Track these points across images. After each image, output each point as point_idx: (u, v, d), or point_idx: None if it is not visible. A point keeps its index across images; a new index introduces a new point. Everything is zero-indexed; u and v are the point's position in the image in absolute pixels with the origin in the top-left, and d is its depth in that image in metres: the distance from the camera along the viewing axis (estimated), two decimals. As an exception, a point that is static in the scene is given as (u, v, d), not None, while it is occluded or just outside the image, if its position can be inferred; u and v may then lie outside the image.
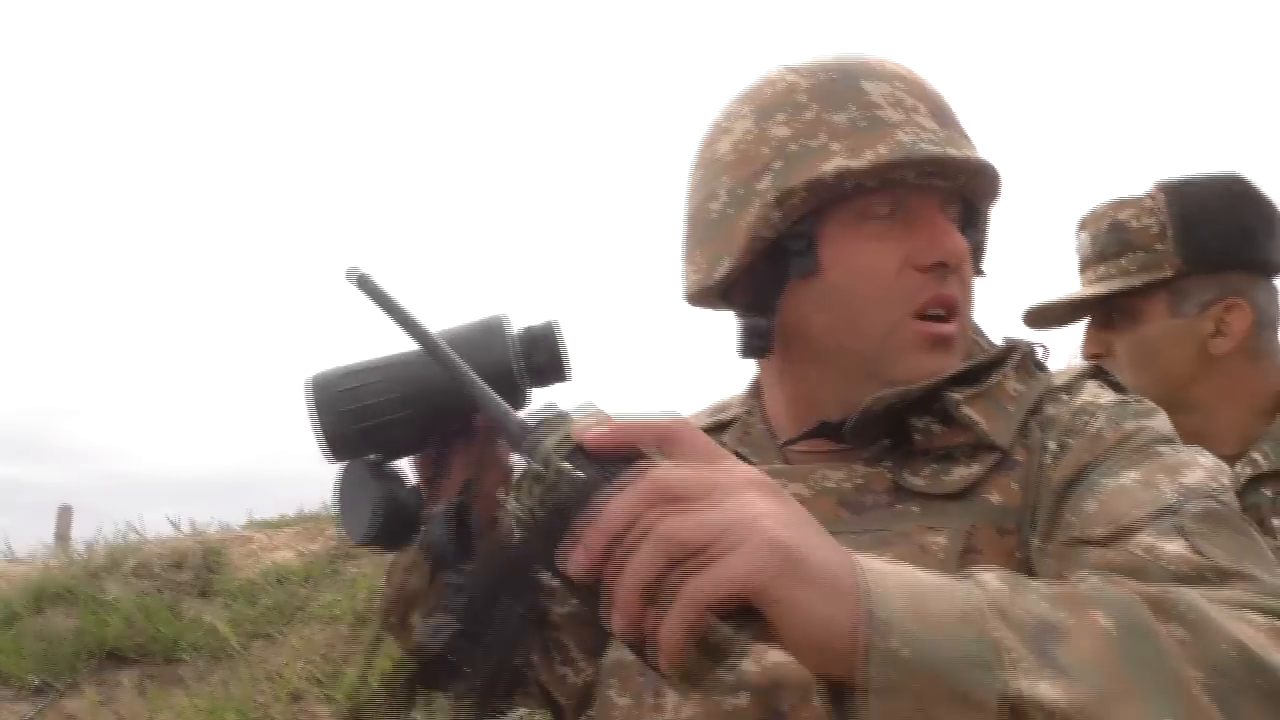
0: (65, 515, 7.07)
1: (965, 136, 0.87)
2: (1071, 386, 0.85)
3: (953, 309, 0.84)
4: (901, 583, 0.55)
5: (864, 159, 0.80)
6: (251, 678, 4.46)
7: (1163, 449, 0.78)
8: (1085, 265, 1.40)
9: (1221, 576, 0.66)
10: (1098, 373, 0.88)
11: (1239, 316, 1.33)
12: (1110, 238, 1.36)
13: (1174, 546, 0.68)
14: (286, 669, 4.59)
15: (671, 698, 0.79)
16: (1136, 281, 1.33)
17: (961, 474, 0.80)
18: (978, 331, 0.91)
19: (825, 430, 0.84)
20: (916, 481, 0.81)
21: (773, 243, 0.84)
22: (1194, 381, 1.34)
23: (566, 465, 0.56)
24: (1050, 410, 0.82)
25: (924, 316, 0.83)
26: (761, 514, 0.54)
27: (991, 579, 0.58)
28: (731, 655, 0.54)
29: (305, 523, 6.06)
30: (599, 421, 0.58)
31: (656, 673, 0.56)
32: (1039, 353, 0.90)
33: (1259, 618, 0.60)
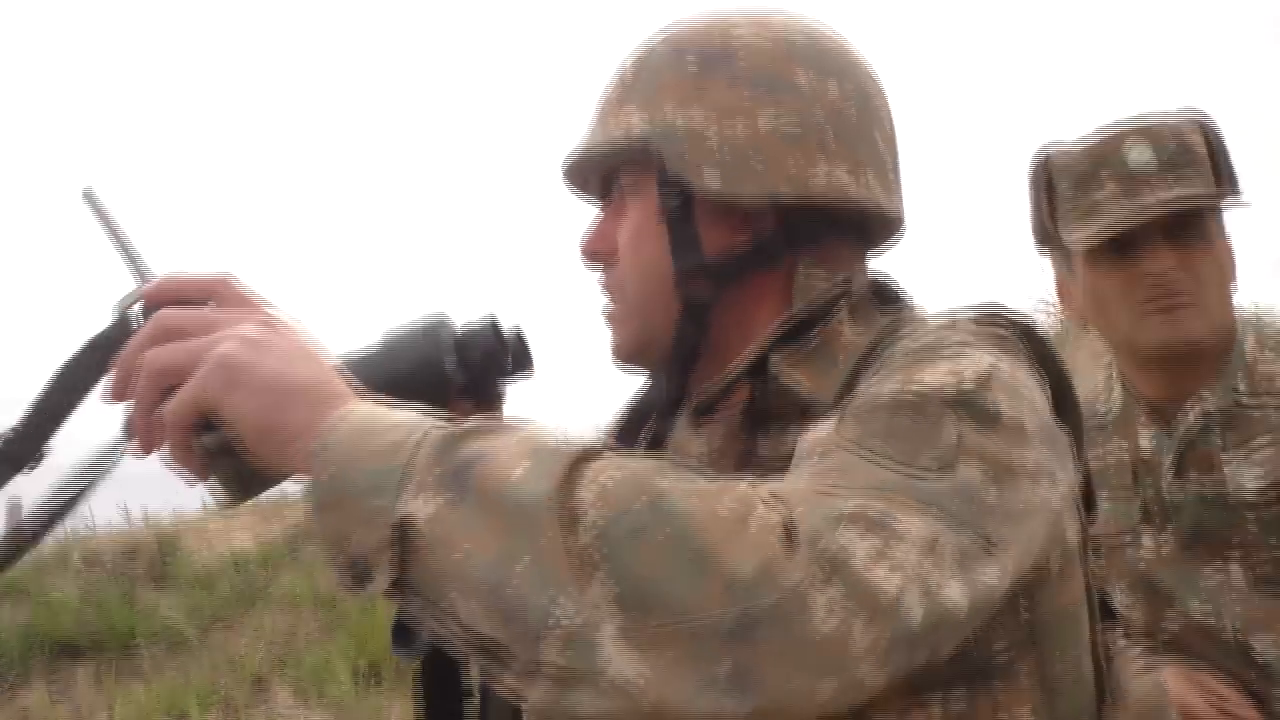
0: (15, 510, 6.90)
1: (602, 115, 0.86)
2: (916, 325, 0.75)
3: (609, 293, 0.86)
4: (361, 420, 0.60)
5: None
6: (212, 665, 4.38)
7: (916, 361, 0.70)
8: (1147, 177, 1.30)
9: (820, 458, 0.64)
10: (991, 319, 0.75)
11: None
12: (1178, 150, 1.31)
13: (825, 429, 0.66)
14: (247, 654, 4.50)
15: None
16: (1217, 199, 1.30)
17: (794, 439, 0.71)
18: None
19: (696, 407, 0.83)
20: (764, 448, 0.79)
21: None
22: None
23: (133, 314, 0.67)
24: (885, 353, 0.74)
25: None
26: (231, 338, 0.62)
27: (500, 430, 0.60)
28: (222, 465, 0.63)
29: (261, 507, 5.96)
30: (160, 280, 0.68)
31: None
32: (891, 288, 0.85)
33: (732, 504, 0.57)
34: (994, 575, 0.61)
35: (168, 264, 0.71)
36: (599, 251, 0.87)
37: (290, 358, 0.63)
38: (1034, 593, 0.69)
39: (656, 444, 0.85)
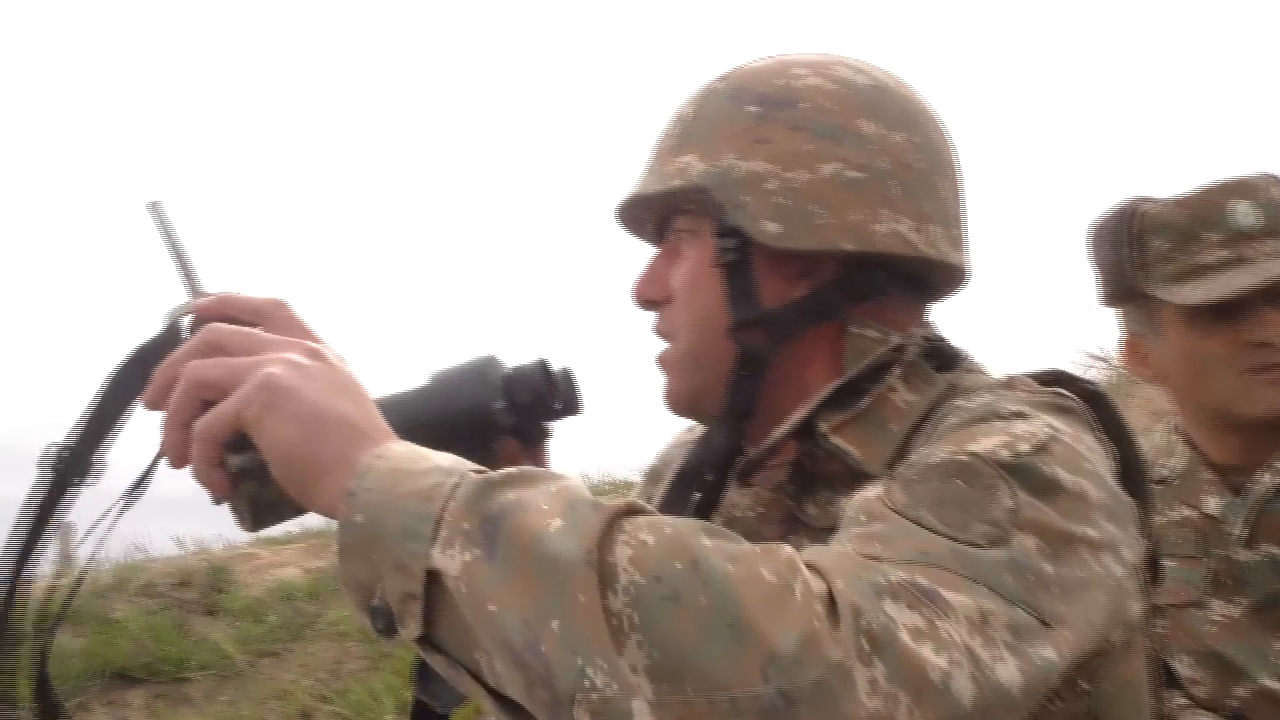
0: (67, 534, 7.06)
1: (660, 160, 0.85)
2: (972, 389, 0.74)
3: (662, 337, 0.86)
4: (395, 462, 0.58)
5: None
6: (260, 696, 4.45)
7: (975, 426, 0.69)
8: (1251, 237, 1.26)
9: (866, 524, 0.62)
10: (1053, 383, 0.75)
11: None
12: (1276, 212, 1.27)
13: (874, 493, 0.64)
14: (294, 686, 4.58)
15: None
16: None
17: (842, 506, 0.69)
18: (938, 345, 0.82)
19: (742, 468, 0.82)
20: (810, 511, 0.77)
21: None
22: None
23: (183, 324, 0.67)
24: (940, 419, 0.72)
25: None
26: (277, 361, 0.61)
27: (527, 481, 0.58)
28: (247, 488, 0.62)
29: (310, 539, 6.05)
30: (216, 296, 0.67)
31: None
32: (948, 347, 0.81)
33: (774, 571, 0.54)
34: (1050, 652, 0.58)
35: (223, 281, 0.71)
36: (652, 295, 0.85)
37: (331, 390, 0.61)
38: (1095, 668, 0.67)
39: (711, 499, 0.83)
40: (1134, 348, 1.38)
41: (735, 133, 0.80)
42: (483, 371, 0.82)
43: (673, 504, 0.82)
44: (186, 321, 0.67)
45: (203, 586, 5.25)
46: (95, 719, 4.40)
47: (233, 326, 0.64)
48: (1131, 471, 0.72)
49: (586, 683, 0.52)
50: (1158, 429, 1.45)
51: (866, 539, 0.60)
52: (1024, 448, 0.64)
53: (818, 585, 0.54)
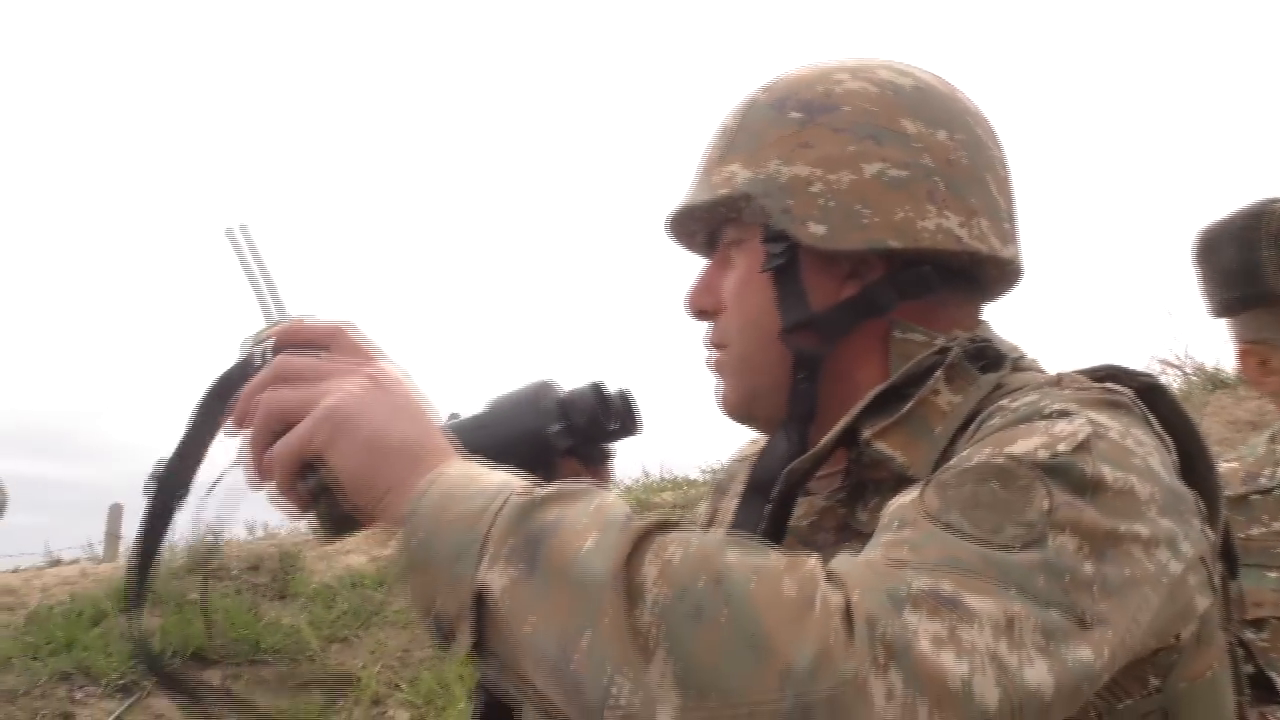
0: (116, 513, 7.19)
1: (706, 172, 0.86)
2: (1018, 389, 0.73)
3: (715, 346, 0.88)
4: (449, 485, 0.63)
5: None
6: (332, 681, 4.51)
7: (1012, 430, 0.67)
8: None
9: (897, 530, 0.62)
10: (1105, 378, 0.73)
11: None
12: None
13: (909, 497, 0.64)
14: (364, 673, 4.64)
15: None
16: None
17: None
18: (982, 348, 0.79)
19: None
20: (862, 518, 0.78)
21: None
22: None
23: (259, 351, 0.72)
24: (984, 420, 0.71)
25: None
26: (340, 391, 0.66)
27: (574, 498, 0.61)
28: (321, 506, 0.68)
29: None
30: (288, 325, 0.73)
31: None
32: (989, 347, 0.78)
33: (795, 586, 0.56)
34: (1087, 653, 0.58)
35: (300, 303, 0.77)
36: (705, 305, 0.87)
37: (392, 414, 0.66)
38: (1164, 665, 0.67)
39: (784, 510, 0.82)
40: (1256, 355, 1.35)
41: (779, 139, 0.81)
42: (538, 397, 0.84)
43: (745, 517, 0.82)
44: (263, 347, 0.73)
45: (274, 571, 5.33)
46: (169, 700, 4.48)
47: (299, 358, 0.70)
48: (1196, 463, 0.71)
49: (613, 694, 0.54)
50: (1255, 439, 1.44)
51: (896, 545, 0.60)
52: (1063, 447, 0.63)
53: (836, 599, 0.56)
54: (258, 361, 0.72)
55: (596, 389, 0.85)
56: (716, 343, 0.87)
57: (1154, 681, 0.67)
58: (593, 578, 0.56)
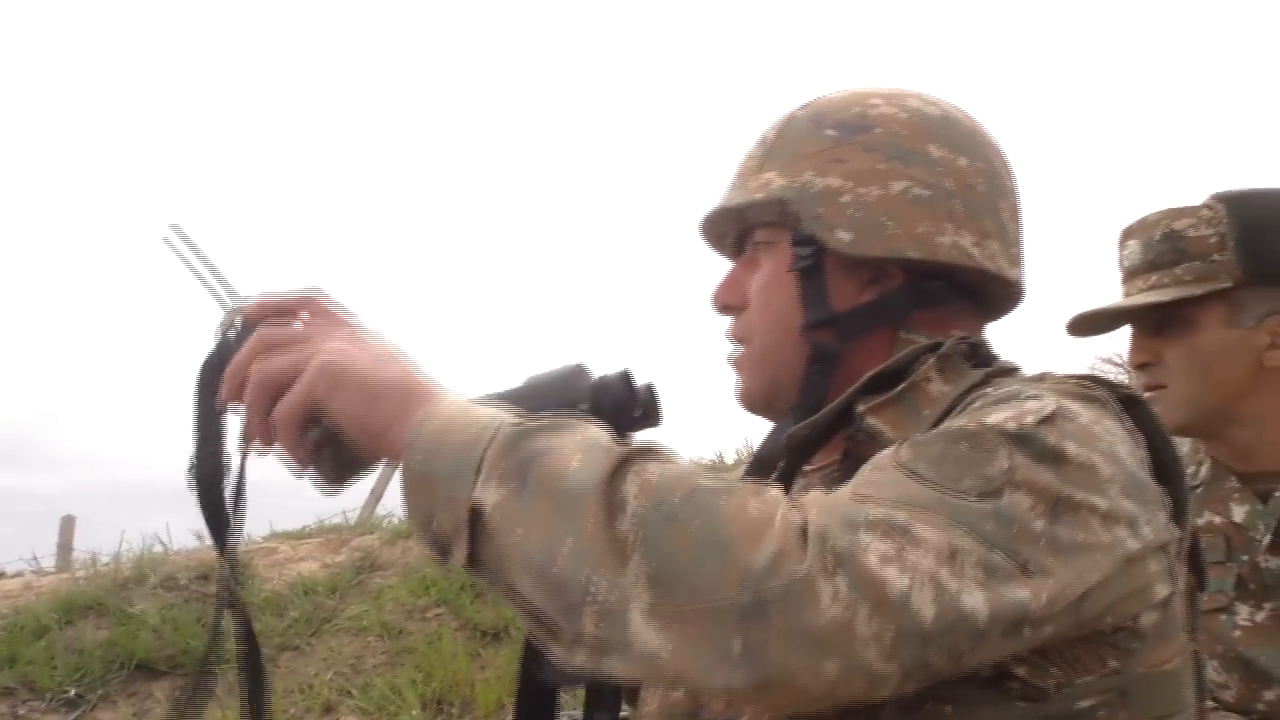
0: (68, 525, 7.08)
1: (743, 177, 0.92)
2: (1004, 379, 0.79)
3: (737, 340, 0.93)
4: (447, 415, 0.69)
5: None
6: (283, 689, 4.47)
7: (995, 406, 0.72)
8: (1133, 274, 1.38)
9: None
10: (1085, 379, 0.78)
11: None
12: (1164, 246, 1.34)
13: (887, 451, 0.69)
14: (317, 680, 4.60)
15: (647, 691, 0.87)
16: (1196, 290, 1.31)
17: None
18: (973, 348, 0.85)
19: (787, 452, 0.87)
20: None
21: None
22: (1247, 394, 1.33)
23: (232, 333, 0.77)
24: (974, 404, 0.76)
25: None
26: (327, 348, 0.72)
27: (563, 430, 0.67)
28: (329, 454, 0.74)
29: (327, 534, 6.08)
30: (259, 300, 0.77)
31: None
32: (981, 348, 0.85)
33: (759, 505, 0.62)
34: (1025, 594, 0.62)
35: (252, 286, 0.80)
36: (731, 300, 0.93)
37: (379, 361, 0.73)
38: (1124, 648, 0.70)
39: (786, 480, 0.87)
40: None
41: (814, 153, 0.89)
42: (572, 378, 0.89)
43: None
44: (234, 331, 0.77)
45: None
46: (118, 711, 4.42)
47: (280, 328, 0.75)
48: (1169, 472, 0.76)
49: (591, 592, 0.61)
50: (1181, 438, 1.46)
51: (862, 484, 0.66)
52: (1030, 420, 0.68)
53: (795, 517, 0.63)
54: (234, 341, 0.76)
55: (625, 378, 0.89)
56: (738, 337, 0.92)
57: (1113, 663, 0.70)
58: (577, 491, 0.63)
